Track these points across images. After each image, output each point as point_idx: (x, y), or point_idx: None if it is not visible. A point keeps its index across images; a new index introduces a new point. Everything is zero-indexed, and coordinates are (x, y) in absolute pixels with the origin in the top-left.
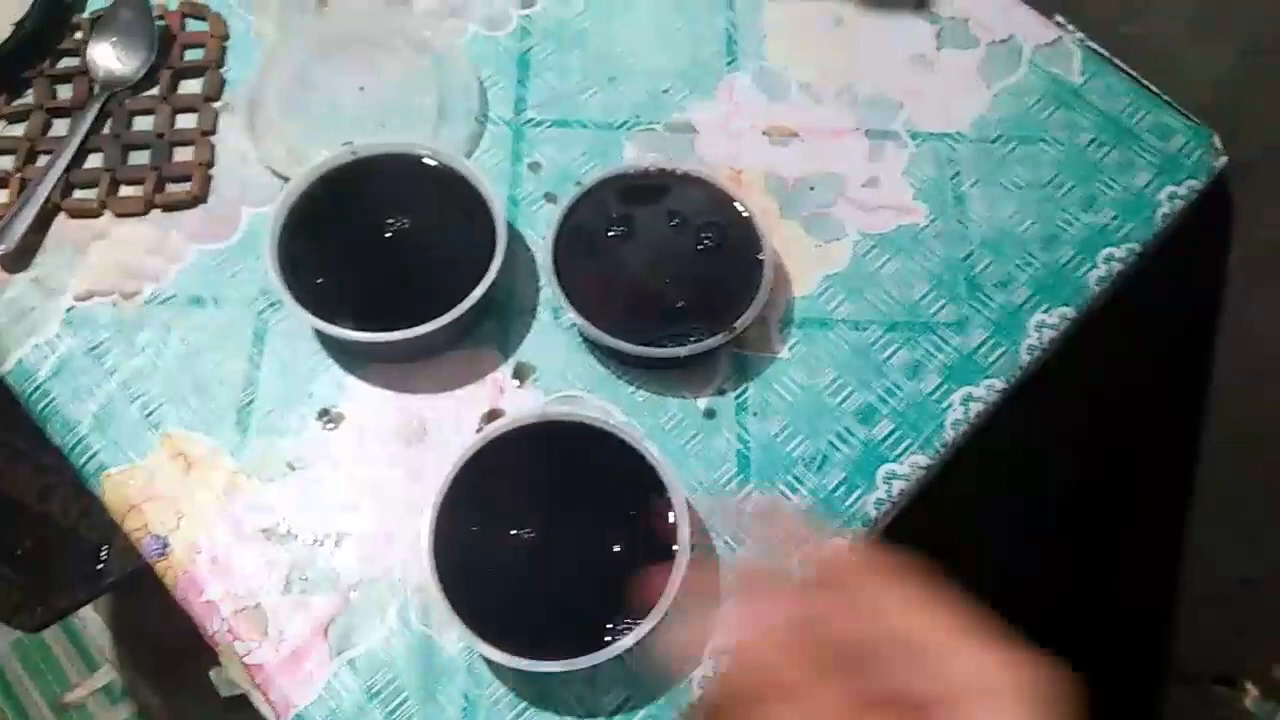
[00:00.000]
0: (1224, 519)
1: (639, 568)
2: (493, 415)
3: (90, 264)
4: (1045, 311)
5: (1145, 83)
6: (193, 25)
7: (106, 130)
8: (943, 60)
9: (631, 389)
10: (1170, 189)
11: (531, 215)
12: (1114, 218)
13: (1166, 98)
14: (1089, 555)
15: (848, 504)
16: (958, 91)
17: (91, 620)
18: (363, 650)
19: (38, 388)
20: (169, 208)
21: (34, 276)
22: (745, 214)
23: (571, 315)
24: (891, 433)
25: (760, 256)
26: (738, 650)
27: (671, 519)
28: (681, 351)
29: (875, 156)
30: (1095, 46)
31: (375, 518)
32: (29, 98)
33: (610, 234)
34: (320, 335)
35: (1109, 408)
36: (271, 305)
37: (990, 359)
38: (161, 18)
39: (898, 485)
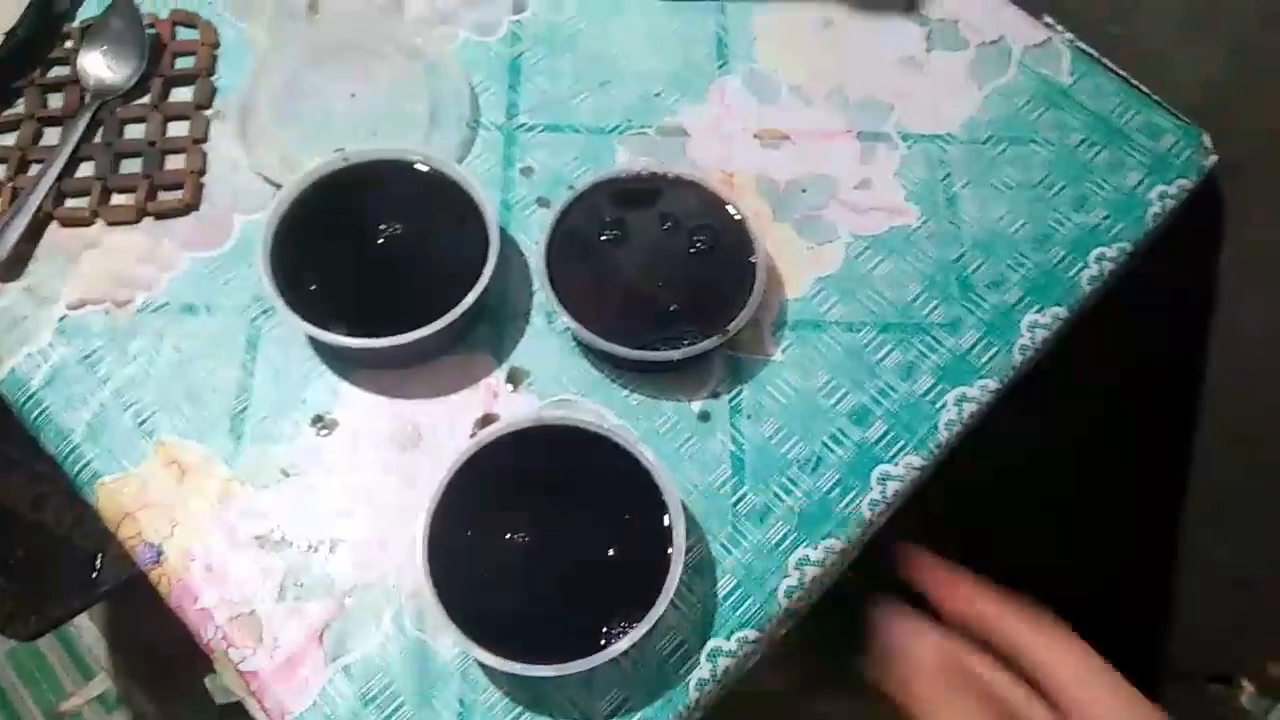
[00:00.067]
0: (1218, 518)
1: (634, 571)
2: (487, 420)
3: (82, 273)
4: (1038, 311)
5: (1135, 83)
6: (183, 33)
7: (98, 139)
8: (933, 62)
9: (625, 392)
10: (1161, 188)
11: (524, 220)
12: (1105, 217)
13: (1156, 98)
14: (1084, 555)
15: (842, 505)
16: (948, 93)
17: (86, 629)
18: (358, 656)
19: (30, 397)
20: (161, 216)
21: (26, 285)
22: (737, 217)
23: (565, 319)
24: (885, 434)
25: (753, 259)
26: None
27: (666, 522)
28: (675, 355)
29: (866, 158)
30: (1084, 47)
31: (369, 524)
32: (20, 107)
33: (603, 238)
34: (313, 341)
35: (1102, 407)
36: (264, 312)
37: (983, 359)
38: (152, 25)
39: (892, 486)
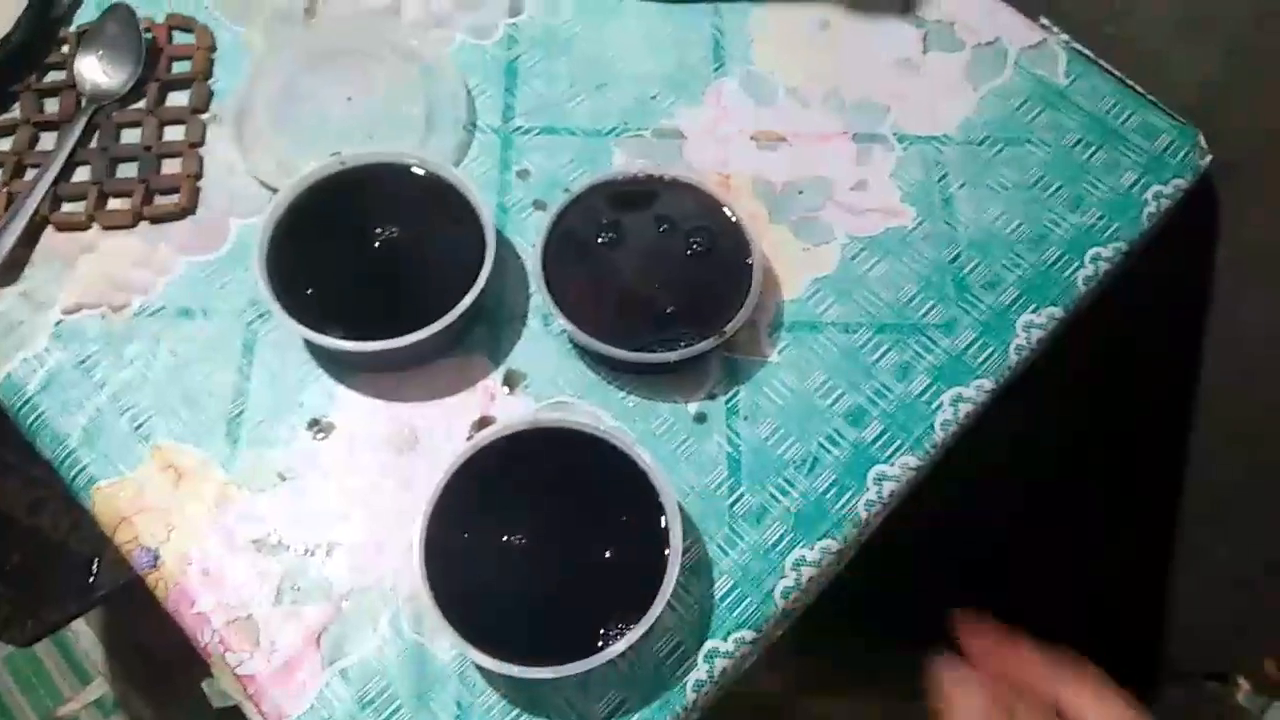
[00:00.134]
0: (1217, 518)
1: (631, 573)
2: (483, 422)
3: (78, 277)
4: (1033, 312)
5: (1130, 83)
6: (180, 38)
7: (94, 143)
8: (929, 63)
9: (622, 394)
10: (1156, 188)
11: (520, 223)
12: (1101, 218)
13: (1151, 98)
14: (1083, 554)
15: (838, 506)
16: (944, 94)
17: (83, 633)
18: (355, 659)
19: (27, 401)
20: (157, 220)
21: (22, 290)
22: (734, 219)
23: (561, 322)
24: (881, 434)
25: (749, 261)
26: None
27: (663, 523)
28: (671, 356)
29: (862, 160)
30: (1080, 48)
31: (366, 527)
32: (16, 112)
33: (599, 240)
34: (310, 345)
35: (1101, 407)
36: (261, 316)
37: (979, 359)
38: (148, 30)
39: (888, 486)
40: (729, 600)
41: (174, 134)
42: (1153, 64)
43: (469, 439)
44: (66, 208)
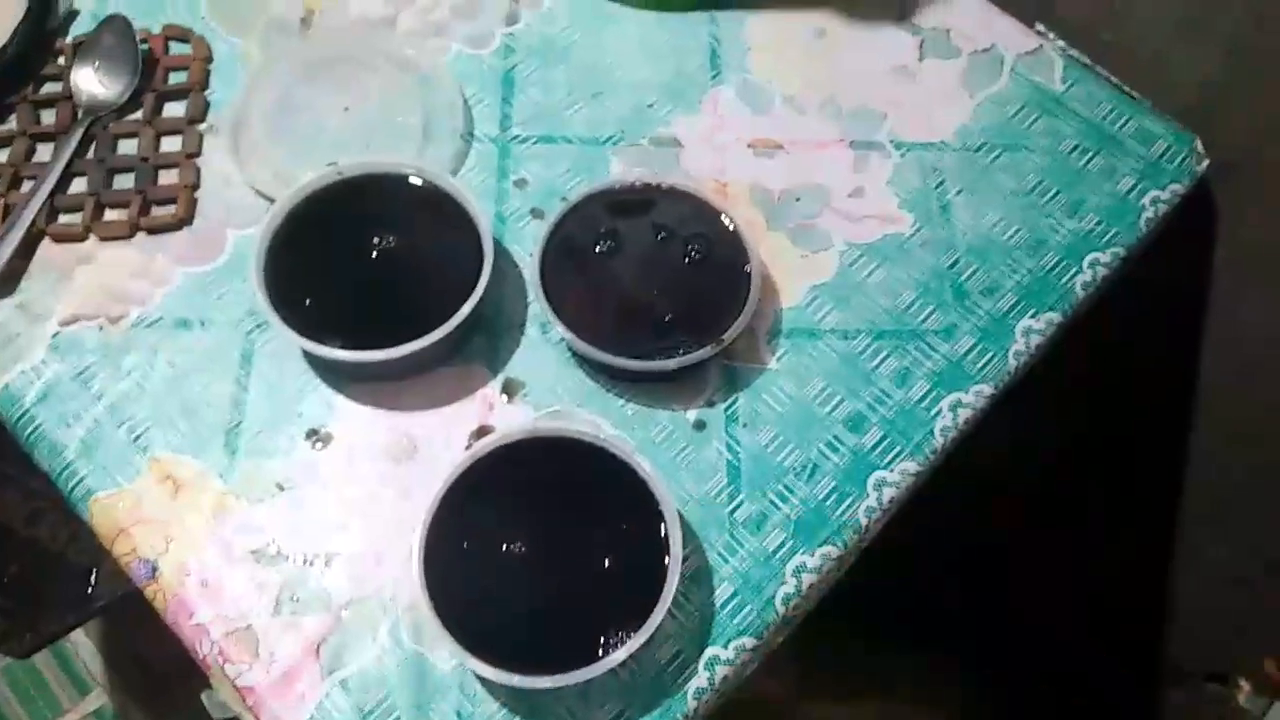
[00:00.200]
0: (1217, 518)
1: (631, 581)
2: (482, 432)
3: (75, 288)
4: (1032, 317)
5: (1127, 89)
6: (176, 48)
7: (90, 155)
8: (925, 70)
9: (621, 402)
10: (1154, 193)
11: (518, 231)
12: (1098, 223)
13: (1148, 103)
14: (1084, 555)
15: (839, 512)
16: (940, 101)
17: (82, 645)
18: (354, 670)
19: (24, 413)
20: (154, 231)
21: (19, 302)
22: (731, 226)
23: (560, 330)
24: (881, 440)
25: (747, 268)
26: None
27: (663, 531)
28: (670, 364)
29: (860, 167)
30: (1076, 54)
31: (365, 537)
32: (12, 123)
33: (597, 249)
34: (308, 355)
35: (1100, 408)
36: (258, 326)
37: (978, 365)
38: (145, 41)
39: (888, 492)
40: (729, 607)
41: (171, 145)
42: (1152, 65)
43: (468, 448)
44: (63, 219)
